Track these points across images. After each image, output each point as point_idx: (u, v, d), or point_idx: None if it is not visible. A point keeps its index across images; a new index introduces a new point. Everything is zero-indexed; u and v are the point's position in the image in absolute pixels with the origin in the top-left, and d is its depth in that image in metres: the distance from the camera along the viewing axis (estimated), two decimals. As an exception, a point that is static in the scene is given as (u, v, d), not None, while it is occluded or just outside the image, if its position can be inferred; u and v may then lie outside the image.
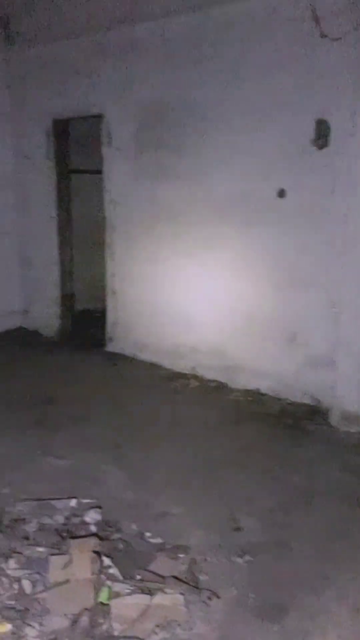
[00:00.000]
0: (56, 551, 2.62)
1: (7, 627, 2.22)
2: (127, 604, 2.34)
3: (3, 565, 2.48)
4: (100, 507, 3.04)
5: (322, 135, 4.02)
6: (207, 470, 3.57)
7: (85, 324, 6.60)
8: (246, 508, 3.16)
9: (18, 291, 6.45)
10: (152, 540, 2.84)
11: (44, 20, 5.35)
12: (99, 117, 5.26)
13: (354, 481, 3.46)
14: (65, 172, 5.88)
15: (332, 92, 3.93)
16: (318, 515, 3.11)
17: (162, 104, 4.83)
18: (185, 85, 4.65)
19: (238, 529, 2.98)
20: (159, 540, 2.84)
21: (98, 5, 4.93)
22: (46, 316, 6.23)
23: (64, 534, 2.79)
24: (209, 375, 5.00)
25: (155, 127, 4.92)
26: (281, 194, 4.29)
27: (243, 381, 4.81)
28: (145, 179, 5.10)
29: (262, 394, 4.71)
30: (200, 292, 4.97)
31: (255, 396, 4.71)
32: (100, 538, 2.72)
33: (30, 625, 2.23)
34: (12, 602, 2.33)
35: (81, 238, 6.35)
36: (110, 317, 5.70)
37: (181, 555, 2.73)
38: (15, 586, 2.41)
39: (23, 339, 6.18)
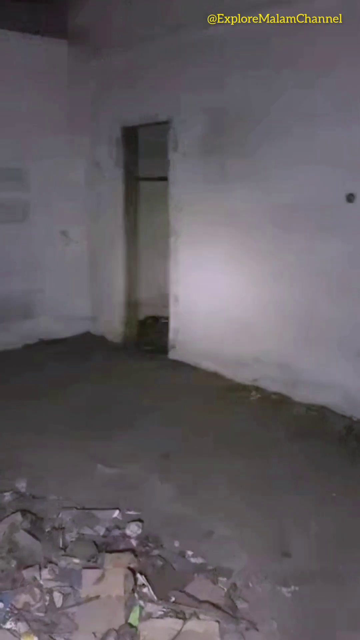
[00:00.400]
0: (91, 564, 2.54)
1: (34, 639, 2.17)
2: (157, 628, 2.22)
3: (37, 575, 2.43)
4: (142, 521, 2.95)
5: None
6: (260, 489, 3.39)
7: (151, 330, 6.60)
8: (298, 533, 2.96)
9: (87, 297, 6.54)
10: (193, 560, 2.71)
11: (116, 28, 5.39)
12: (166, 123, 5.22)
13: None
14: (132, 179, 5.89)
15: None
16: (377, 547, 2.86)
17: (228, 108, 4.73)
18: (252, 89, 4.52)
19: (287, 555, 2.79)
20: (200, 561, 2.71)
21: (168, 9, 4.88)
22: (112, 322, 6.26)
23: (103, 546, 2.71)
24: (272, 387, 4.80)
25: (220, 132, 4.82)
26: (350, 198, 4.06)
27: (307, 395, 4.57)
28: (210, 185, 5.00)
29: (327, 410, 4.45)
30: (264, 300, 4.79)
31: (320, 412, 4.45)
32: (136, 554, 2.62)
33: (56, 641, 2.16)
34: (42, 614, 2.27)
35: (149, 245, 6.35)
36: (172, 324, 5.64)
37: (222, 579, 2.58)
38: (47, 598, 2.35)
39: (89, 345, 6.23)
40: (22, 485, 3.31)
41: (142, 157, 6.02)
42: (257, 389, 4.87)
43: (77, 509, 3.03)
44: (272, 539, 2.91)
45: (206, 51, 4.78)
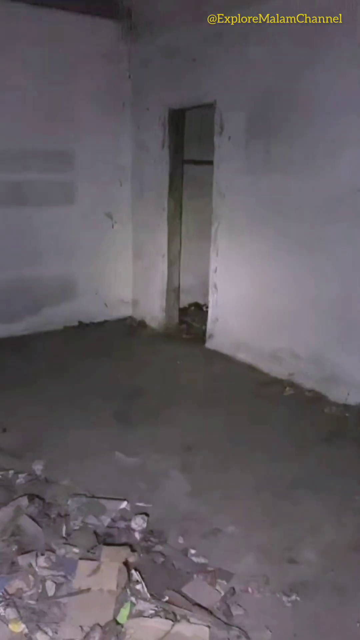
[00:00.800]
0: (90, 555, 2.52)
1: (21, 626, 2.17)
2: (145, 627, 2.17)
3: (33, 562, 2.44)
4: (147, 515, 2.90)
5: None
6: (278, 490, 3.26)
7: (193, 317, 6.52)
8: (309, 539, 2.83)
9: (129, 281, 6.52)
10: (195, 559, 2.65)
11: (163, 8, 5.27)
12: (212, 105, 5.07)
13: None
14: (178, 163, 5.77)
15: None
16: (392, 561, 2.70)
17: (275, 90, 4.52)
18: (301, 71, 4.28)
19: (294, 561, 2.67)
20: (202, 560, 2.64)
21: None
22: (152, 307, 6.22)
23: (105, 537, 2.69)
24: (307, 383, 4.63)
25: (266, 115, 4.62)
26: None
27: (343, 394, 4.38)
28: (254, 170, 4.82)
29: (363, 411, 4.26)
30: (304, 292, 4.60)
31: (355, 413, 4.26)
32: (134, 549, 2.58)
33: (43, 631, 2.15)
34: (33, 602, 2.28)
35: (195, 230, 6.25)
36: (211, 313, 5.53)
37: (221, 582, 2.50)
38: (40, 585, 2.35)
39: (127, 329, 6.24)
40: (38, 467, 3.33)
41: (191, 140, 5.92)
42: (292, 384, 4.71)
43: (86, 496, 3.01)
44: (282, 543, 2.80)
45: (253, 33, 4.58)
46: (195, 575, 2.51)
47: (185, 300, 6.68)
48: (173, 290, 6.11)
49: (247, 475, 3.41)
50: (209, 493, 3.21)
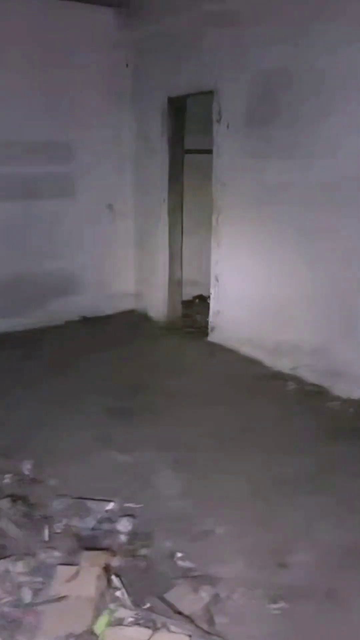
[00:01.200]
0: (71, 559, 2.44)
1: (-6, 636, 2.09)
2: (122, 636, 2.08)
3: (10, 567, 2.36)
4: (133, 516, 2.81)
5: None
6: (274, 489, 3.15)
7: (197, 310, 6.41)
8: (303, 541, 2.72)
9: (132, 274, 6.42)
10: (181, 563, 2.54)
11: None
12: (211, 93, 4.93)
13: None
14: (178, 152, 5.64)
15: None
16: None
17: (276, 75, 4.35)
18: (303, 53, 4.11)
19: (284, 566, 2.56)
20: (188, 565, 2.53)
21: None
22: (155, 300, 6.12)
23: (88, 540, 2.60)
24: (310, 378, 4.50)
25: (267, 102, 4.46)
26: None
27: (347, 389, 4.24)
28: (255, 158, 4.68)
29: (366, 406, 4.12)
30: (307, 285, 4.46)
31: (358, 407, 4.12)
32: (115, 553, 2.48)
33: (16, 640, 2.08)
34: (8, 610, 2.20)
35: (199, 221, 6.10)
36: (213, 306, 5.41)
37: (206, 587, 2.39)
38: (17, 593, 2.27)
39: (131, 323, 6.14)
40: (27, 467, 3.25)
41: (195, 128, 5.75)
42: (295, 378, 4.58)
43: (72, 497, 2.93)
44: (274, 546, 2.68)
45: (251, 16, 4.42)
46: (180, 581, 2.41)
47: (190, 293, 6.56)
48: (175, 283, 6.00)
49: (244, 474, 3.29)
50: (202, 493, 3.10)
